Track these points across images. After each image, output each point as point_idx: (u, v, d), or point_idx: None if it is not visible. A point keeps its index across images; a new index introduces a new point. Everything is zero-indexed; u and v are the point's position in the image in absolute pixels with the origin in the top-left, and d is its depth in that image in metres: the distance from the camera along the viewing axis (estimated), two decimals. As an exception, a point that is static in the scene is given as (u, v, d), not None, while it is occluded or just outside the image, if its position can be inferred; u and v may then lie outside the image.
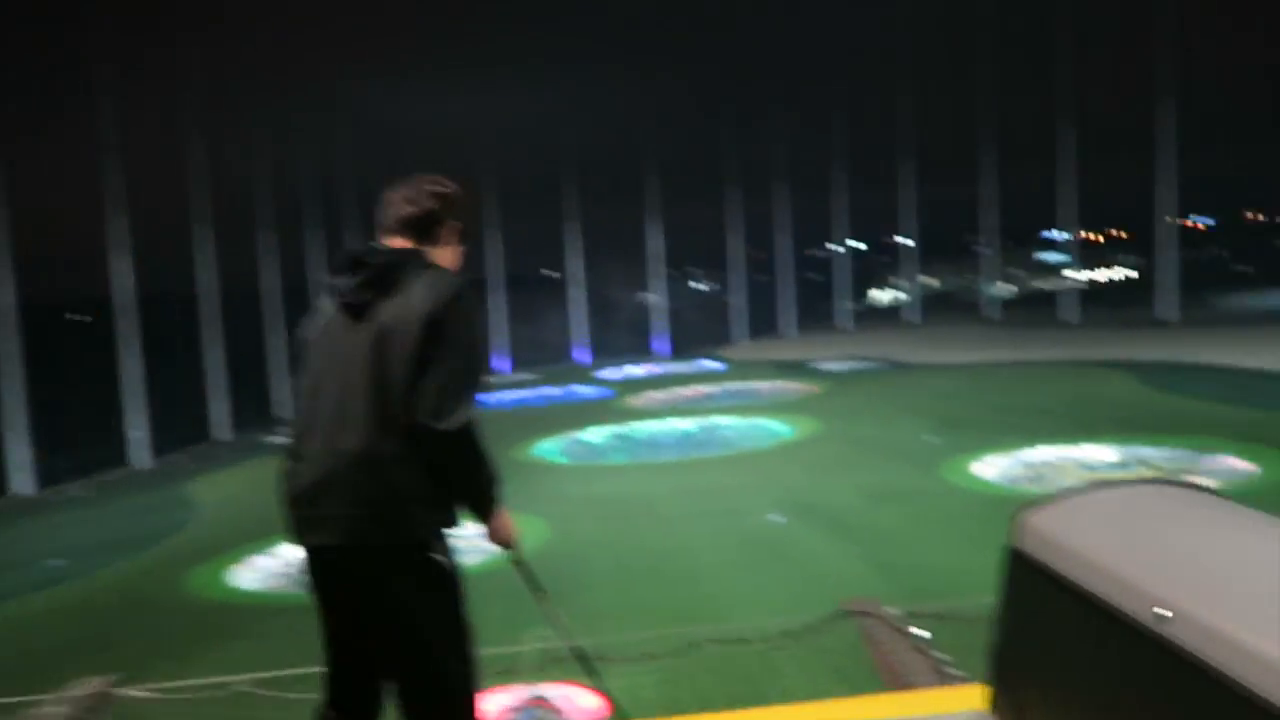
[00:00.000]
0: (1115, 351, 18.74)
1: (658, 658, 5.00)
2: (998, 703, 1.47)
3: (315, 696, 2.41)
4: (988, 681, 1.54)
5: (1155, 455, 10.06)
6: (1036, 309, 30.70)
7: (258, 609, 7.67)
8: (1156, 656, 1.11)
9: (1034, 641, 1.42)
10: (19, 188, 15.74)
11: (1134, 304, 26.21)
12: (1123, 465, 9.73)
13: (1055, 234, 28.71)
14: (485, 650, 2.44)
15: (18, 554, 10.76)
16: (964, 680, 3.78)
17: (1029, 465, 10.18)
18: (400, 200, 2.52)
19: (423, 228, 2.50)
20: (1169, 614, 1.12)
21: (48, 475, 15.58)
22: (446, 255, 2.55)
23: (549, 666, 5.04)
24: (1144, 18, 20.87)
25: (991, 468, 10.18)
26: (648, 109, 29.77)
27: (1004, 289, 38.00)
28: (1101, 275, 50.94)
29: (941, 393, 16.41)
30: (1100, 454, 10.31)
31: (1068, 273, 27.50)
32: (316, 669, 2.39)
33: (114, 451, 17.11)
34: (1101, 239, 54.26)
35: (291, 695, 4.31)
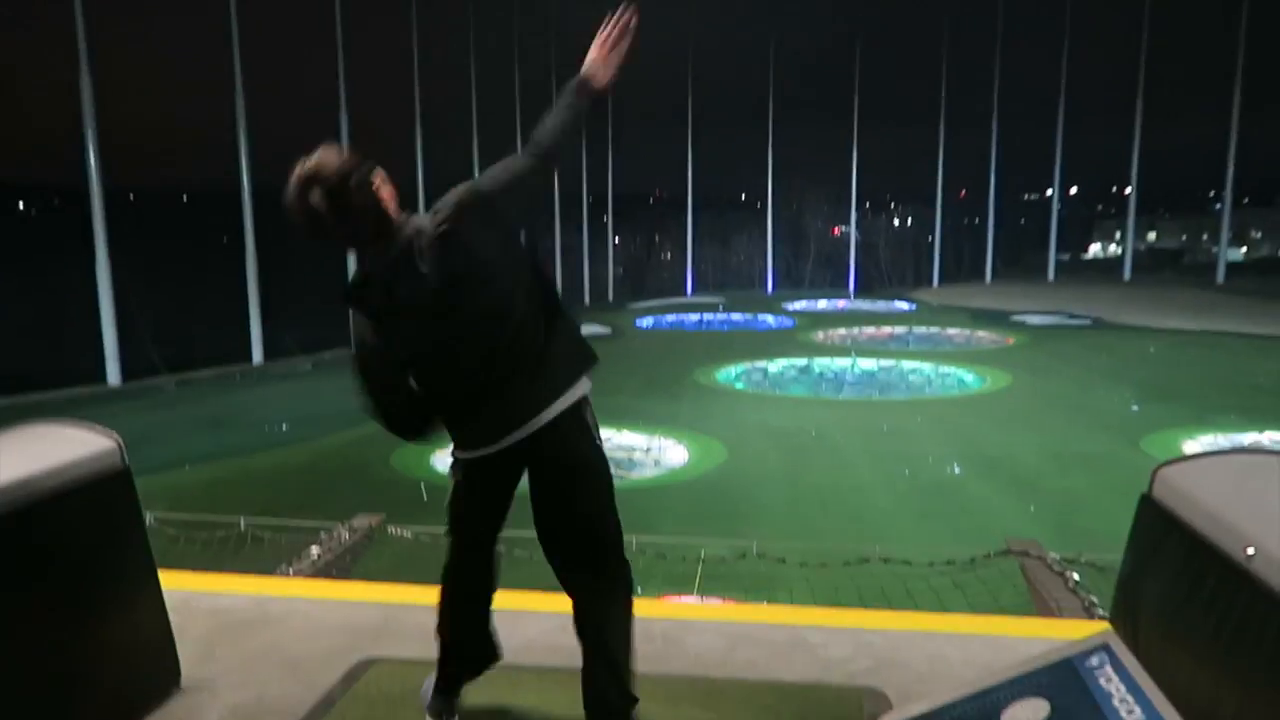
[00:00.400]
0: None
1: (829, 566, 5.28)
2: (1117, 628, 1.65)
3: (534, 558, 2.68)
4: (1111, 611, 1.71)
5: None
6: (1268, 276, 27.97)
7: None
8: (1246, 591, 1.29)
9: (1151, 576, 1.60)
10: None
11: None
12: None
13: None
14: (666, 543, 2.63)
15: (250, 415, 12.06)
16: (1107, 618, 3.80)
17: (1246, 449, 9.47)
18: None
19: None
20: (1253, 551, 1.31)
21: (272, 348, 17.23)
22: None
23: (718, 579, 5.42)
24: None
25: (1205, 448, 9.56)
26: (866, 25, 28.58)
27: (1234, 251, 34.74)
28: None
29: (1153, 359, 15.39)
30: (1328, 444, 9.49)
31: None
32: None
33: (334, 332, 18.68)
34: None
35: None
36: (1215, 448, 9.45)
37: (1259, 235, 48.32)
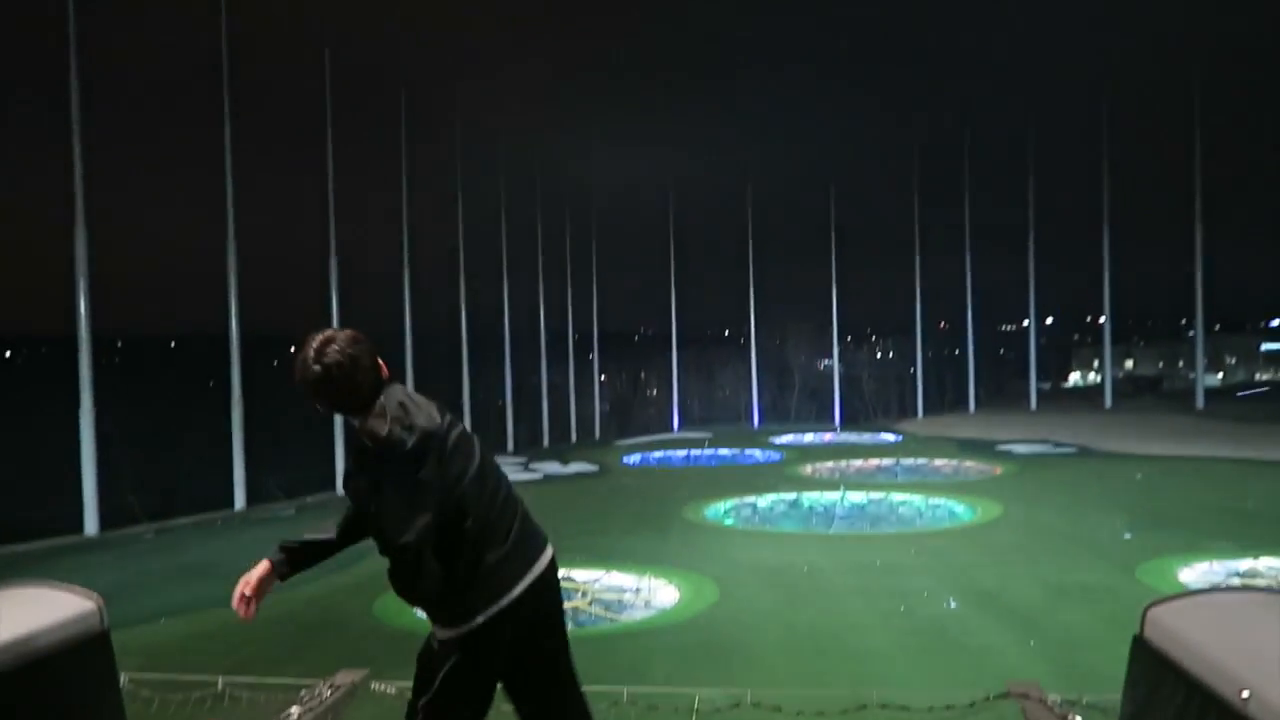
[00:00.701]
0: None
1: (826, 715, 5.10)
2: None
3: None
4: None
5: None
6: (1246, 400, 28.31)
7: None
8: None
9: (1149, 716, 1.62)
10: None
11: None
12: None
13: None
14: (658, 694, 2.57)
15: (230, 564, 11.80)
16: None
17: (1247, 579, 9.35)
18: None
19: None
20: (1248, 694, 1.31)
21: (255, 494, 17.01)
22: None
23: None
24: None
25: (1200, 576, 9.43)
26: (837, 169, 29.78)
27: (1210, 377, 35.23)
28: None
29: (1141, 486, 15.38)
30: (1325, 570, 9.38)
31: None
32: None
33: (317, 473, 18.51)
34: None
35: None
36: (1210, 576, 9.34)
37: (1233, 361, 49.22)
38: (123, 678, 5.56)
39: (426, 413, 2.49)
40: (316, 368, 2.48)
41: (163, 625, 8.73)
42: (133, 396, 19.36)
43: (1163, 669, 1.53)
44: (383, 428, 2.40)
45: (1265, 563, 9.75)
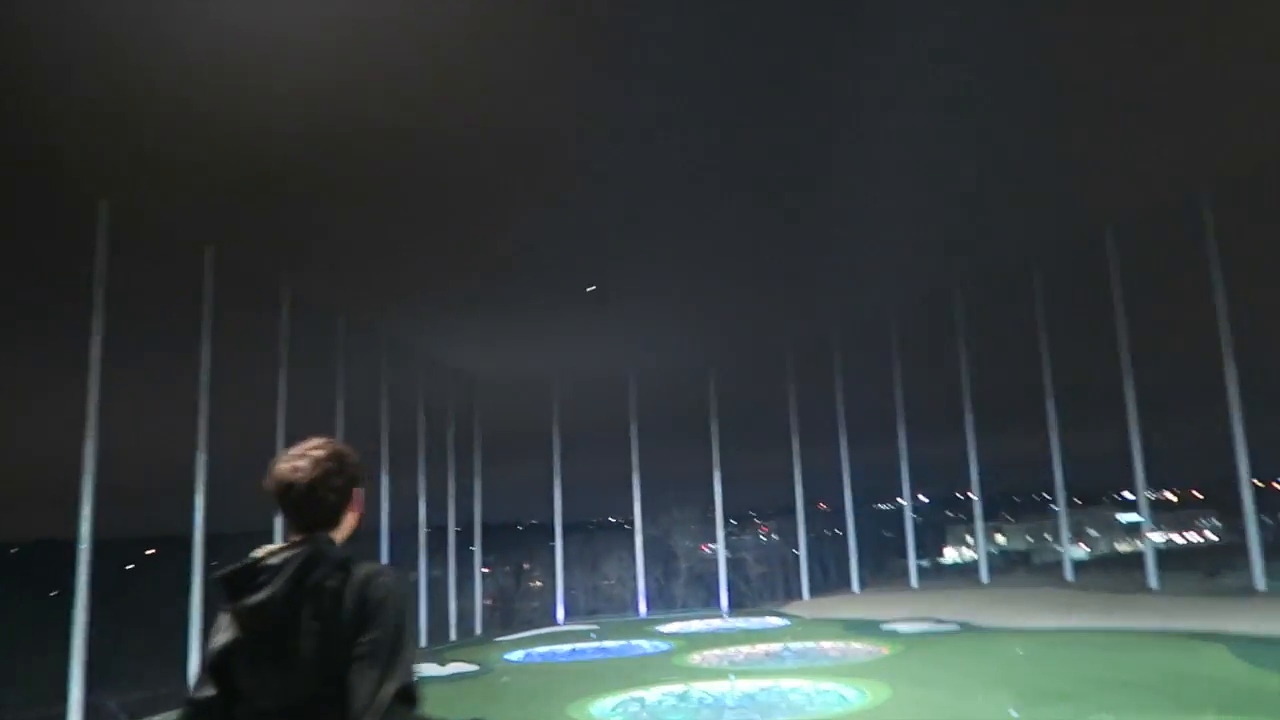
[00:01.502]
0: (1203, 621, 17.69)
1: None
2: None
3: None
4: None
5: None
6: (1112, 571, 29.41)
7: None
8: None
9: None
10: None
11: (1219, 569, 24.98)
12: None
13: (1131, 495, 27.89)
14: None
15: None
16: None
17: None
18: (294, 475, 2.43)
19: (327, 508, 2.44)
20: None
21: (92, 714, 15.32)
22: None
23: None
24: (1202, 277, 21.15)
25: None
26: (716, 357, 30.74)
27: (1078, 550, 36.63)
28: (1180, 537, 48.98)
29: (1023, 661, 15.49)
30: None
31: (1145, 534, 26.46)
32: None
33: (163, 690, 16.87)
34: (1176, 498, 52.73)
35: None
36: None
37: (1095, 534, 51.49)
38: None
39: None
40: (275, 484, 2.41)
41: None
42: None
43: None
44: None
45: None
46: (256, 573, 2.23)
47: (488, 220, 19.09)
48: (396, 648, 2.21)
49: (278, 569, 2.22)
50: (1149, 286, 24.38)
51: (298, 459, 2.38)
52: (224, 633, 2.25)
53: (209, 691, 2.24)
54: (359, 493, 2.46)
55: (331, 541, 2.34)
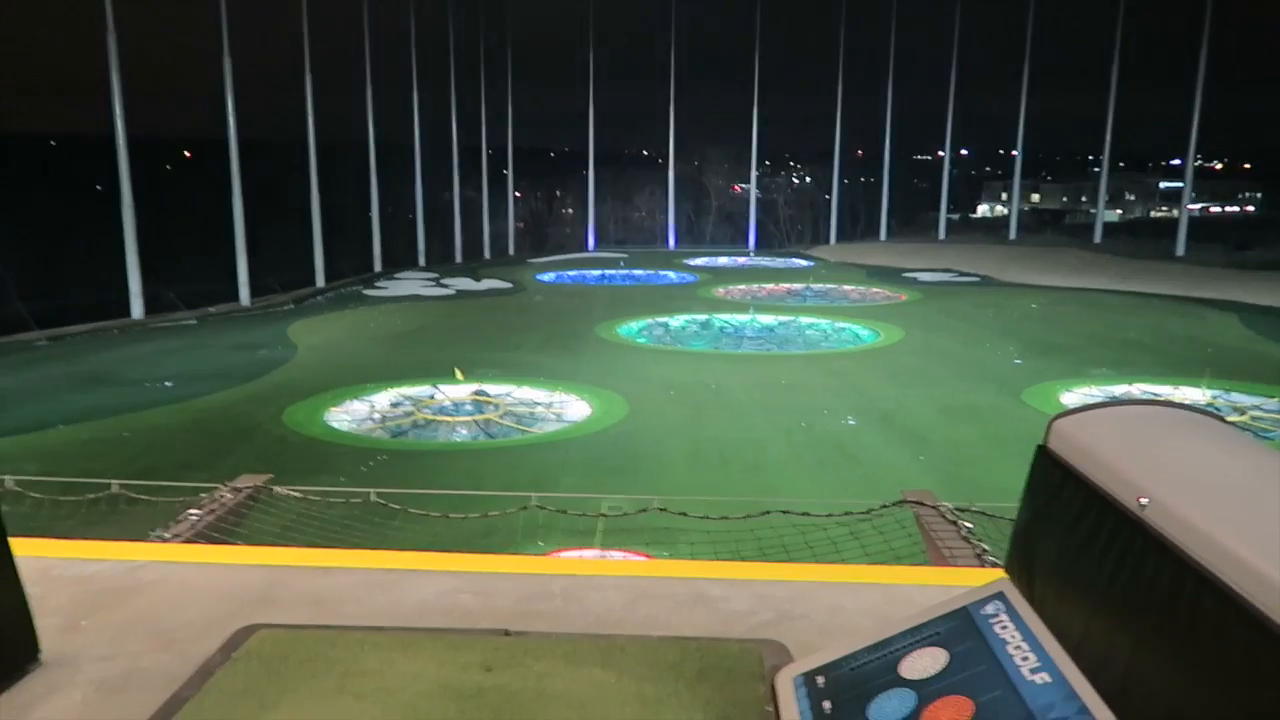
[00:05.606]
0: (1220, 291, 17.98)
1: (730, 519, 5.33)
2: (1013, 577, 1.68)
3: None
4: (1006, 560, 1.75)
5: (1250, 404, 9.76)
6: (1141, 237, 29.43)
7: (349, 449, 8.10)
8: (1140, 540, 1.32)
9: (1046, 525, 1.63)
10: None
11: (1249, 242, 24.91)
12: (1216, 411, 9.47)
13: (1178, 161, 27.09)
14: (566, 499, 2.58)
15: (129, 373, 11.46)
16: (999, 566, 3.96)
17: (1119, 400, 9.94)
18: None
19: None
20: (1147, 501, 1.33)
21: (153, 304, 16.37)
22: None
23: (618, 533, 5.46)
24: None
25: (1080, 399, 10.00)
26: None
27: (1111, 213, 36.33)
28: (1218, 208, 48.29)
29: (1034, 315, 16.02)
30: (1196, 398, 10.03)
31: (1183, 202, 26.05)
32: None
33: (220, 287, 17.87)
34: (1221, 168, 51.32)
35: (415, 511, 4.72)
36: (1089, 400, 9.90)
37: (1133, 198, 50.81)
38: (8, 479, 5.42)
39: None
40: None
41: (59, 432, 8.52)
42: (10, 202, 18.04)
43: (1064, 478, 1.57)
44: None
45: (1140, 388, 10.38)
46: None
47: None
48: None
49: None
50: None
51: None
52: None
53: None
54: None
55: None
